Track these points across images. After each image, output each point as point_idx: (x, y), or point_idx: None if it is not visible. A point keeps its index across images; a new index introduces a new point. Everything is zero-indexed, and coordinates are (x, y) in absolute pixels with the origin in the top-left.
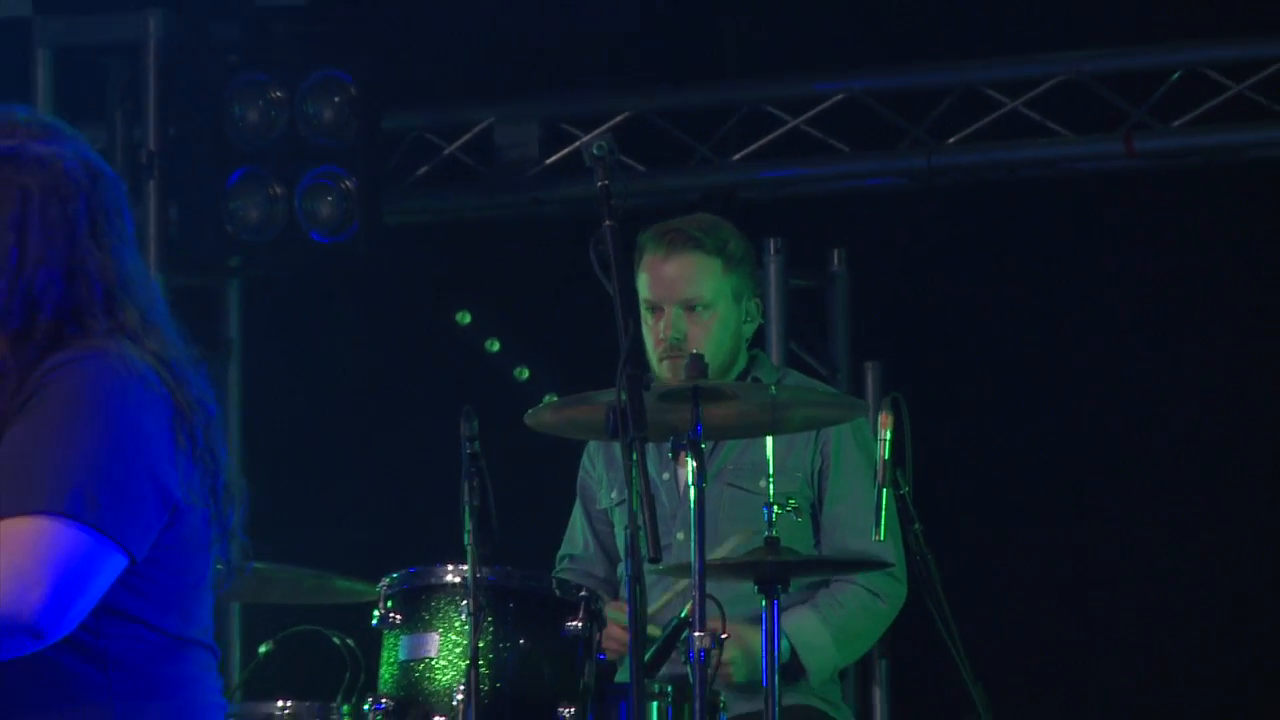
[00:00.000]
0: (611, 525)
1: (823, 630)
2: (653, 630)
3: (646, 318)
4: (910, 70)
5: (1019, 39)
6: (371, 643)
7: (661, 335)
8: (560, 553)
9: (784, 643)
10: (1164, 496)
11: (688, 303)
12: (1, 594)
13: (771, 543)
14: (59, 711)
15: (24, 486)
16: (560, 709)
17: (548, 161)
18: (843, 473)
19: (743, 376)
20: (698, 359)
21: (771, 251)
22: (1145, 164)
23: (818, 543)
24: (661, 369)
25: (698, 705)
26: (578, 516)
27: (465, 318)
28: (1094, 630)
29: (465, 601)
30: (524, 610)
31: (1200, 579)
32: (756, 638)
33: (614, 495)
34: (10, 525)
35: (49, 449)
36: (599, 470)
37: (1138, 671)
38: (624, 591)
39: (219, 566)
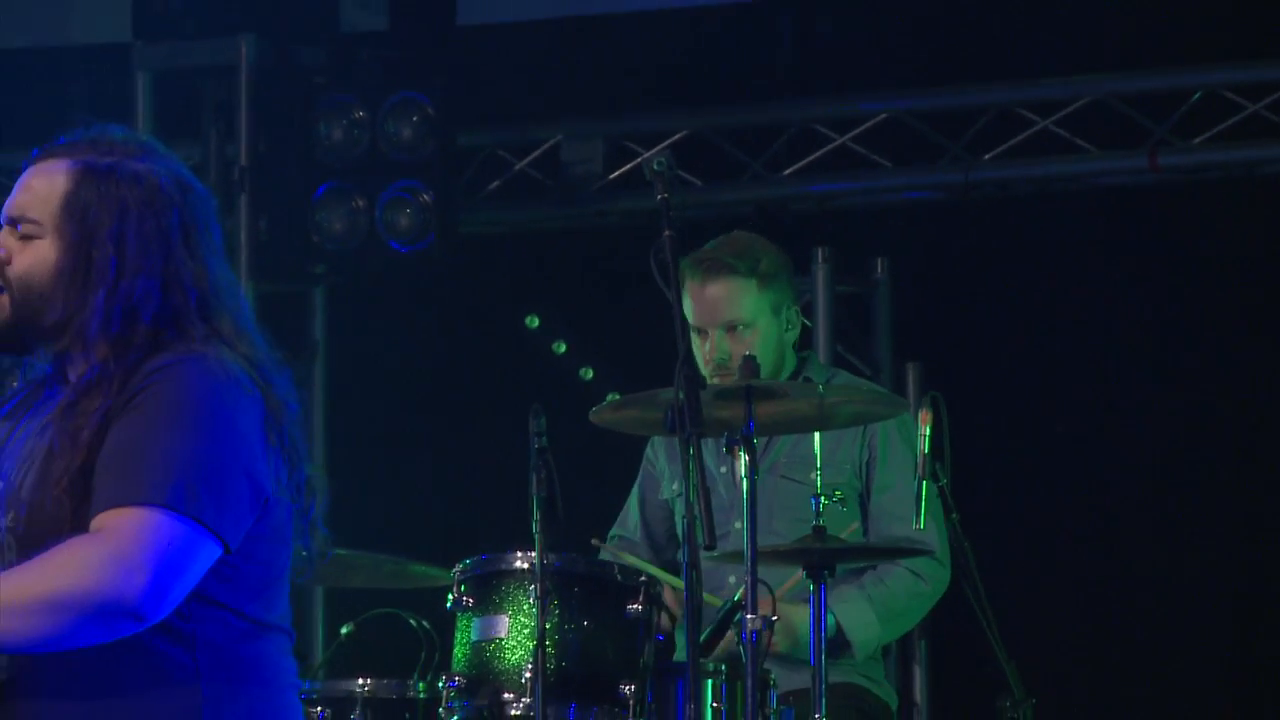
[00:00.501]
0: (670, 514)
1: (867, 607)
2: (710, 599)
3: (694, 339)
4: (948, 92)
5: (1050, 62)
6: (446, 624)
7: (709, 356)
8: (611, 531)
9: (830, 619)
10: (1189, 491)
11: (729, 324)
12: (107, 579)
13: (819, 531)
14: (149, 692)
15: (129, 479)
16: (621, 686)
17: (611, 176)
18: (888, 465)
19: (794, 377)
20: (750, 360)
21: (819, 260)
22: (1168, 178)
23: (866, 530)
24: (713, 384)
25: (750, 683)
26: (634, 501)
27: (534, 321)
28: (1122, 613)
29: (533, 586)
30: (588, 594)
31: (1229, 566)
32: (798, 613)
33: (675, 487)
34: (116, 515)
35: (152, 445)
36: (661, 463)
37: (1166, 652)
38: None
39: (301, 554)
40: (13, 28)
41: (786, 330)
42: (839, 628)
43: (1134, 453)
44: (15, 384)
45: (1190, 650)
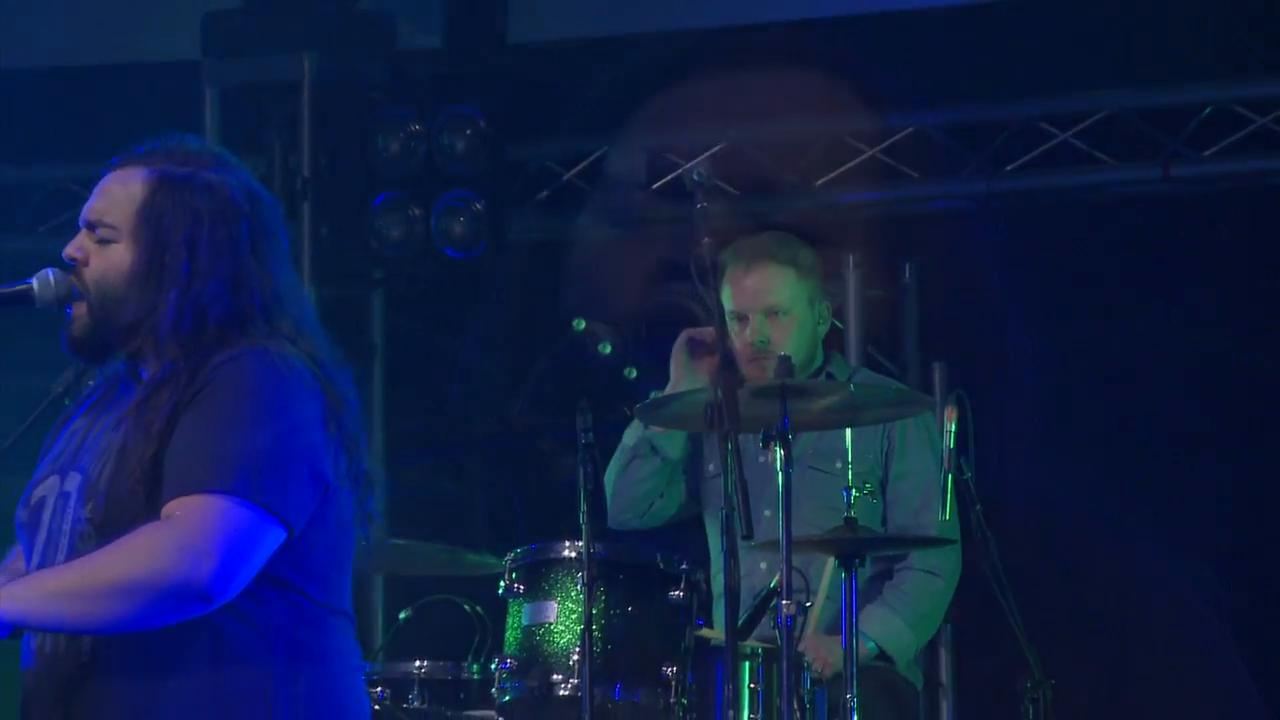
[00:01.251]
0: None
1: (896, 620)
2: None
3: (732, 326)
4: (972, 106)
5: (1068, 79)
6: (498, 610)
7: (747, 339)
8: None
9: (870, 645)
10: (1206, 486)
11: (769, 309)
12: (177, 564)
13: (850, 522)
14: (220, 672)
15: (197, 468)
16: (664, 668)
17: (653, 186)
18: (905, 454)
19: (818, 372)
20: (786, 360)
21: (850, 266)
22: (1181, 189)
23: (884, 518)
24: (749, 370)
25: (784, 665)
26: None
27: (580, 324)
28: (1139, 599)
29: (580, 573)
30: (632, 581)
31: (1247, 554)
32: (834, 648)
33: (711, 469)
34: (185, 502)
35: (218, 435)
36: (705, 437)
37: (1183, 635)
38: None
39: (361, 542)
40: (89, 46)
41: (819, 323)
42: (879, 649)
43: (1150, 450)
44: (92, 381)
45: (1207, 635)
